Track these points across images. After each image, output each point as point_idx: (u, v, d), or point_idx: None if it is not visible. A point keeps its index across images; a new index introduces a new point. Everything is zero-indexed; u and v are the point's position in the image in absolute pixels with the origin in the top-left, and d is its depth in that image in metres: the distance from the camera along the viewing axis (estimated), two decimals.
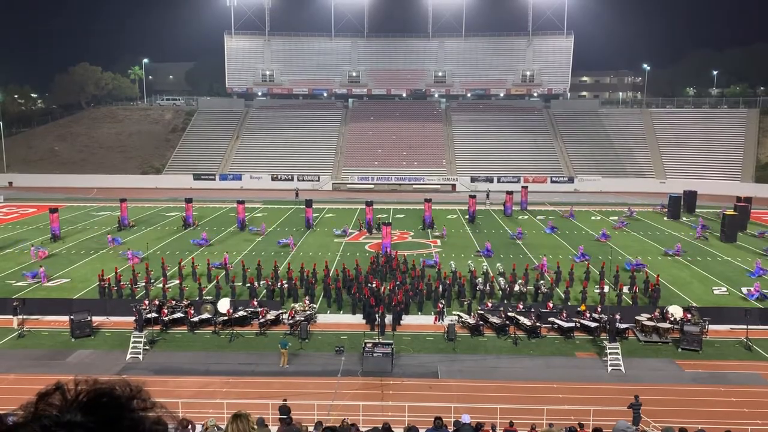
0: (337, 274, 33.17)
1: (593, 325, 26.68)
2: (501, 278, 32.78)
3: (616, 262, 35.06)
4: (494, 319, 27.38)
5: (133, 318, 25.96)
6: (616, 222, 51.46)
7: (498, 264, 36.75)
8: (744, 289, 32.58)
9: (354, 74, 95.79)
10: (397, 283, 31.58)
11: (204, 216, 53.92)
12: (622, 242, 44.06)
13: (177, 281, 32.67)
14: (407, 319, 28.77)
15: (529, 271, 33.89)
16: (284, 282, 31.87)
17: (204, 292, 31.28)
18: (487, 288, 31.49)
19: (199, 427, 16.28)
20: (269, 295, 31.07)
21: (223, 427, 15.64)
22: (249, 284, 31.40)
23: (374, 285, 31.08)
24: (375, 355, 23.31)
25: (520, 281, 32.00)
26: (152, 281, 32.60)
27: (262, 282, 32.93)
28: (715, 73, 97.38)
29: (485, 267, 36.06)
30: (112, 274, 32.58)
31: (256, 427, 4.33)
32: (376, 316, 27.28)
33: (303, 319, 27.00)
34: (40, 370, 23.09)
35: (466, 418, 15.67)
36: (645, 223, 52.23)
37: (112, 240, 42.58)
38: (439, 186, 74.49)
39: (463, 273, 34.46)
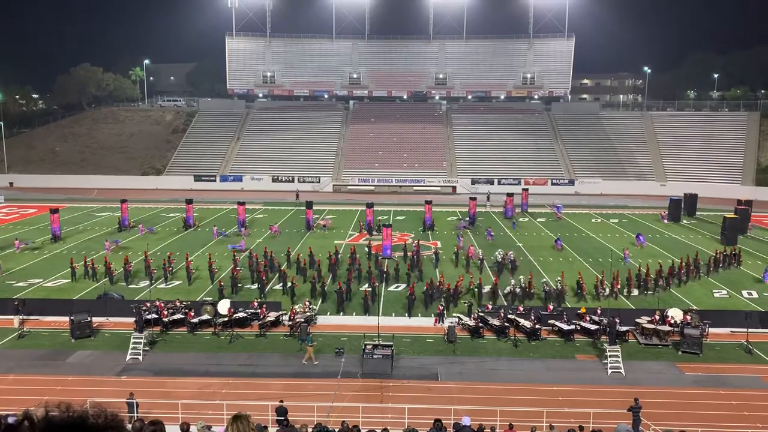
0: (319, 265, 35.20)
1: (593, 327, 26.68)
2: (522, 277, 33.12)
3: (617, 265, 35.06)
4: (494, 321, 27.38)
5: (133, 319, 25.97)
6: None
7: (510, 252, 37.77)
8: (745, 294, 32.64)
9: (355, 76, 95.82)
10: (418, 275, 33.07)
11: (204, 217, 53.94)
12: (620, 245, 43.96)
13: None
14: (408, 321, 28.81)
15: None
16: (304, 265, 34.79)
17: (237, 275, 33.78)
18: (516, 290, 31.75)
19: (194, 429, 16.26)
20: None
21: (214, 428, 15.64)
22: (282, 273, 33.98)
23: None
24: (375, 356, 23.30)
25: (544, 281, 32.67)
26: (173, 270, 35.14)
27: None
28: (715, 76, 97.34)
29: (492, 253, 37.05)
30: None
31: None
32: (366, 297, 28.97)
33: (303, 320, 26.99)
34: (40, 370, 23.13)
35: (466, 421, 15.66)
36: (644, 226, 52.15)
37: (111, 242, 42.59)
38: (439, 188, 74.51)
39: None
